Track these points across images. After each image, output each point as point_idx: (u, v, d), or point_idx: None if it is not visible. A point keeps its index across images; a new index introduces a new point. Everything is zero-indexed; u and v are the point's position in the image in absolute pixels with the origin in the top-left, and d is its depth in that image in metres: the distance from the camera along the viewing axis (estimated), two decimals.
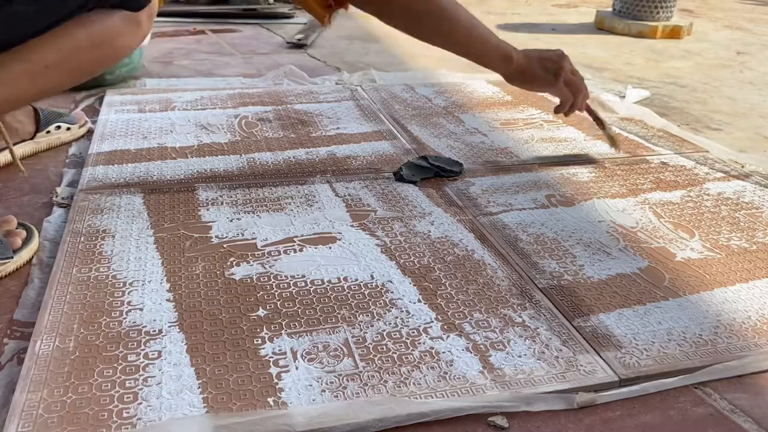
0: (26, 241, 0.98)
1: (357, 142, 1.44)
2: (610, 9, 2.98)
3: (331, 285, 0.92)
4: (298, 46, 2.34)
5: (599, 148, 1.46)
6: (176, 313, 0.84)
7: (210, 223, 1.07)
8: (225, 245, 1.01)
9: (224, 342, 0.80)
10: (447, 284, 0.94)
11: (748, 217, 1.18)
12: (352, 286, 0.92)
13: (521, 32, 2.78)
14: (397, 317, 0.86)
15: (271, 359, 0.77)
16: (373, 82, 1.93)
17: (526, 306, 0.90)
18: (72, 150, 1.35)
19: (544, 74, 1.22)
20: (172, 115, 1.54)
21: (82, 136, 1.43)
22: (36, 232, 1.01)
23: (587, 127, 1.58)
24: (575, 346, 0.82)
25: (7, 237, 0.96)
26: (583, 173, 1.33)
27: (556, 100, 1.29)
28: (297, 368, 0.76)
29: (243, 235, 1.04)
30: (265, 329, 0.82)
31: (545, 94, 1.81)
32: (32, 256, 0.98)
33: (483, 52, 1.20)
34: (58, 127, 1.37)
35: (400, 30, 1.16)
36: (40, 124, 1.34)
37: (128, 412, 0.68)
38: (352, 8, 1.12)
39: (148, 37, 1.22)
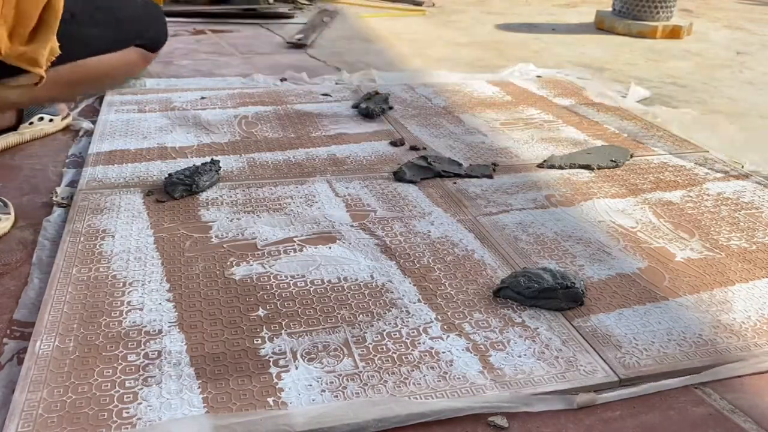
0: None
1: (357, 142, 1.44)
2: (610, 9, 2.98)
3: (331, 285, 0.92)
4: (298, 46, 2.34)
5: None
6: (176, 313, 0.84)
7: (210, 223, 1.07)
8: (225, 245, 1.01)
9: (224, 342, 0.80)
10: (447, 284, 0.94)
11: (748, 217, 1.18)
12: (352, 286, 0.92)
13: (521, 32, 2.78)
14: (397, 317, 0.86)
15: (271, 359, 0.77)
16: (373, 82, 1.93)
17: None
18: (72, 150, 1.35)
19: None
20: (171, 115, 1.54)
21: (65, 128, 1.45)
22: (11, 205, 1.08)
23: (586, 127, 1.58)
24: (575, 346, 0.82)
25: None
26: (583, 173, 1.33)
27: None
28: (297, 368, 0.76)
29: (243, 235, 1.04)
30: (265, 329, 0.82)
31: (546, 94, 1.81)
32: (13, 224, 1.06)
33: None
34: (41, 119, 1.39)
35: None
36: (23, 115, 1.36)
37: (128, 412, 0.69)
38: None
39: None
